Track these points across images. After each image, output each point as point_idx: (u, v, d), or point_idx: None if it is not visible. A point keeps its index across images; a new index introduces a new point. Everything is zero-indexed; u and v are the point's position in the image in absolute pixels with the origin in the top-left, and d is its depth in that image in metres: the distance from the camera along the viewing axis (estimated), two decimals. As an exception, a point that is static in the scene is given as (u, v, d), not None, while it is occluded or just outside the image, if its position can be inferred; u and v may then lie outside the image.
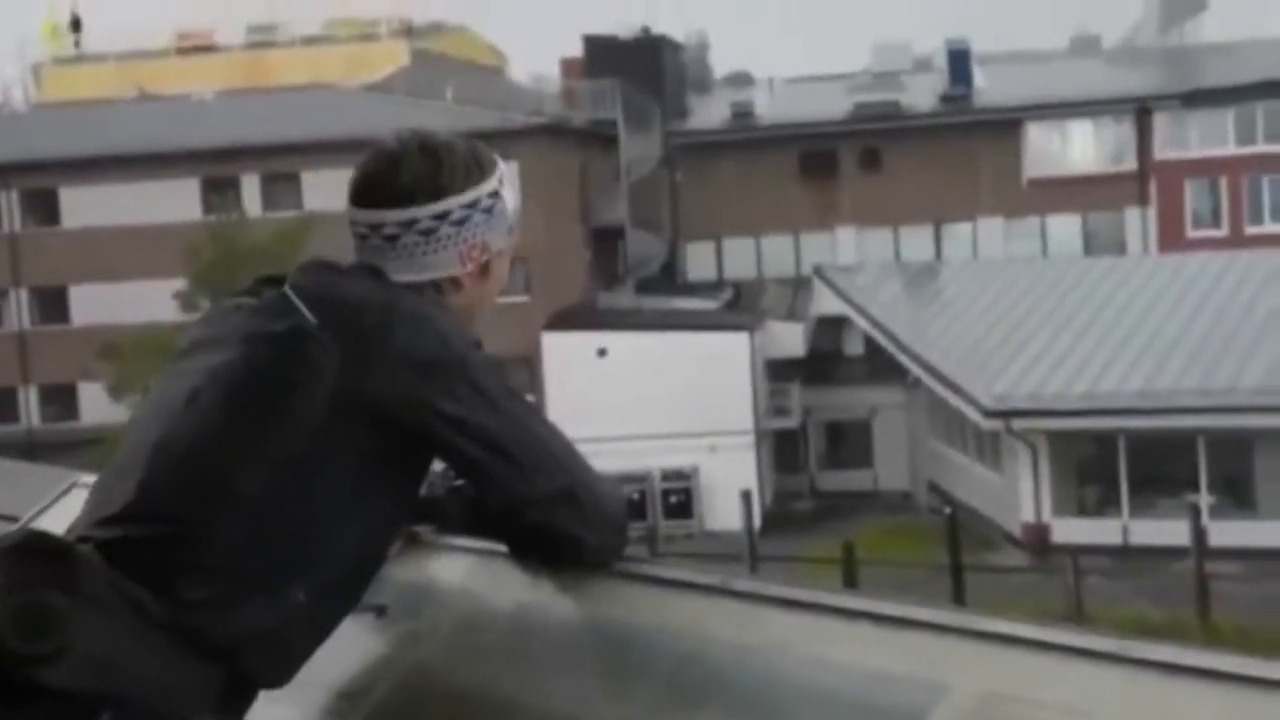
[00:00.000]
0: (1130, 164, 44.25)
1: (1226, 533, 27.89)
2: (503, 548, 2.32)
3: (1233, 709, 1.62)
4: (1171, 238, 43.08)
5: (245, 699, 2.11)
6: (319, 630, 2.19)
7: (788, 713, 1.92)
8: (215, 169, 40.87)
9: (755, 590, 2.12)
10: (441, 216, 2.23)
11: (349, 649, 2.42)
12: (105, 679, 1.90)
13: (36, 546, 1.96)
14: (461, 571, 2.42)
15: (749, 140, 45.26)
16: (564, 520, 2.20)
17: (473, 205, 2.25)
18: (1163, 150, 43.99)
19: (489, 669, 2.31)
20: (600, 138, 43.35)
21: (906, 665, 1.86)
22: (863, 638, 1.94)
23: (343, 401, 2.08)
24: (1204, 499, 29.24)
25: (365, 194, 2.25)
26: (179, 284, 33.80)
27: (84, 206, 41.06)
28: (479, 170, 2.27)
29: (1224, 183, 43.66)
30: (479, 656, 2.33)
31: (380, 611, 2.42)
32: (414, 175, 2.23)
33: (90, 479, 2.57)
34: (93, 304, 39.79)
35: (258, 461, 2.07)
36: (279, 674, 2.16)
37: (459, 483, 2.34)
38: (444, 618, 2.40)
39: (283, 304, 2.14)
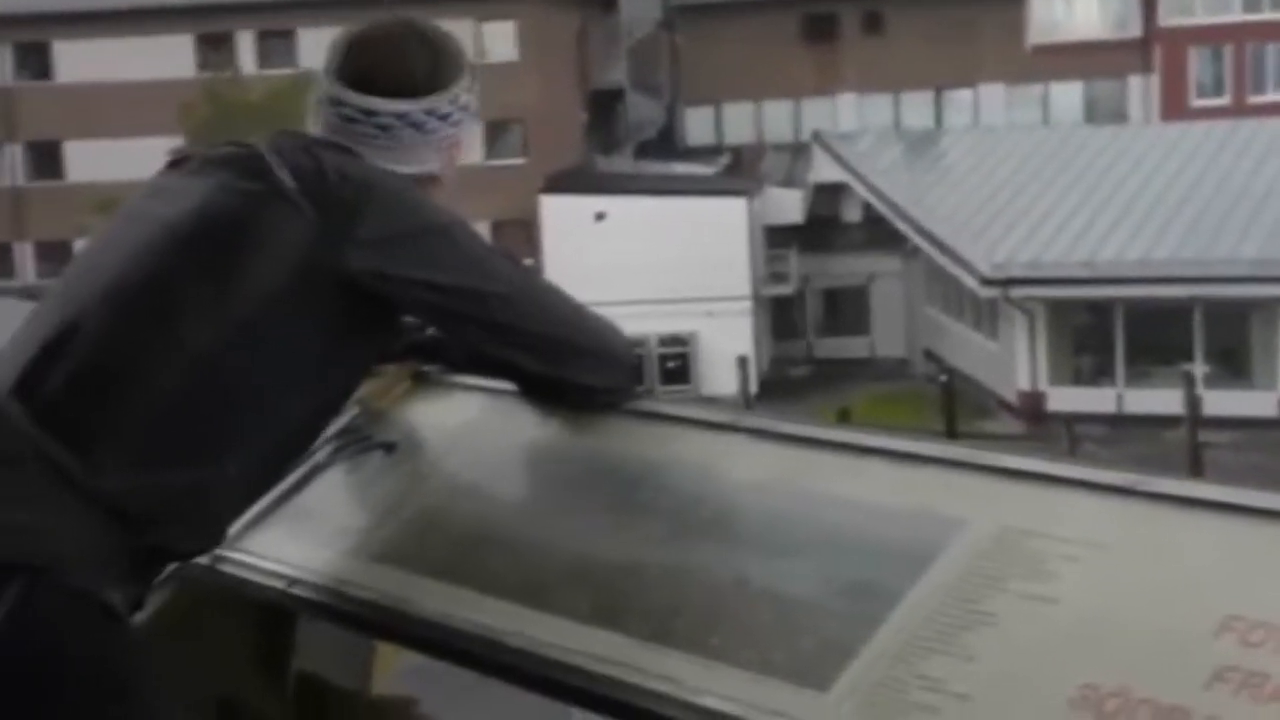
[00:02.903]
0: (1135, 30, 43.83)
1: (1220, 402, 28.08)
2: (511, 387, 2.32)
3: (1239, 538, 1.64)
4: (1174, 106, 42.77)
5: (160, 567, 2.10)
6: (243, 503, 2.18)
7: (801, 548, 1.92)
8: (210, 24, 40.45)
9: (766, 427, 2.12)
10: (432, 112, 2.20)
11: (357, 485, 2.43)
12: (20, 547, 1.87)
13: None
14: (470, 410, 2.42)
15: (750, 2, 44.69)
16: (572, 370, 2.21)
17: (463, 105, 2.23)
18: (1167, 17, 43.54)
19: (497, 505, 2.32)
20: (600, -1, 42.89)
21: (922, 501, 1.87)
22: (877, 474, 1.94)
23: (312, 270, 2.04)
24: (1199, 368, 29.37)
25: (362, 79, 2.19)
26: (174, 141, 33.57)
27: (78, 61, 40.68)
28: (464, 67, 2.24)
29: (1228, 51, 43.27)
30: (487, 493, 2.33)
31: (390, 448, 2.42)
32: (416, 68, 2.20)
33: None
34: (88, 160, 39.54)
35: (210, 319, 2.01)
36: (198, 547, 2.15)
37: None
38: (452, 454, 2.40)
39: (259, 164, 2.09)
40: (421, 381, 2.47)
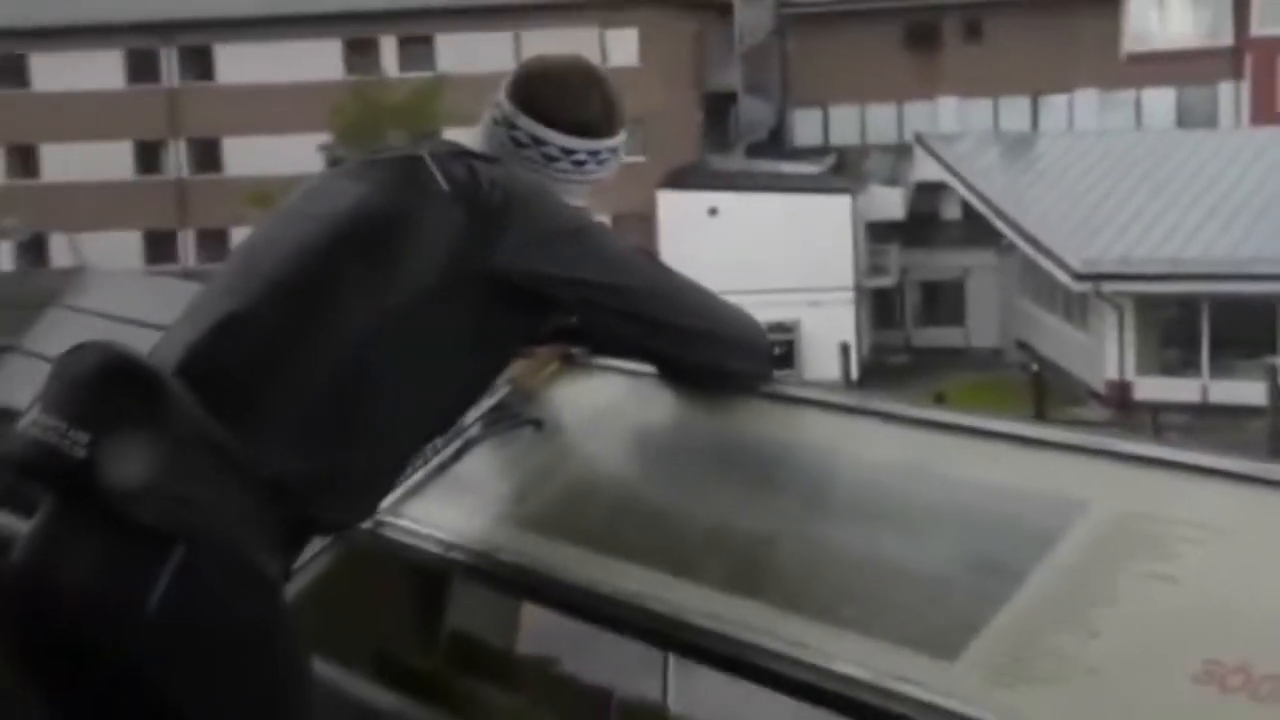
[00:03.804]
0: (1226, 39, 42.98)
1: (1302, 394, 27.57)
2: (652, 369, 2.32)
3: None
4: (1263, 112, 41.95)
5: (307, 538, 2.10)
6: (390, 480, 2.18)
7: (928, 526, 1.90)
8: (356, 31, 40.85)
9: (893, 410, 2.10)
10: (594, 154, 2.24)
11: (508, 458, 2.44)
12: (184, 517, 1.87)
13: (124, 370, 1.91)
14: (612, 391, 2.41)
15: (857, 11, 44.34)
16: (708, 355, 2.21)
17: (616, 151, 2.27)
18: (1259, 27, 42.71)
19: (637, 480, 2.31)
20: (716, 6, 42.69)
21: (1045, 484, 1.84)
22: (1002, 457, 1.92)
23: (462, 268, 2.05)
24: (1282, 362, 28.91)
25: (535, 107, 2.22)
26: (322, 138, 33.97)
27: (237, 64, 41.26)
28: (623, 118, 2.29)
29: (1318, 59, 42.45)
30: (628, 468, 2.33)
31: (538, 425, 2.43)
32: (588, 111, 2.24)
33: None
34: (244, 155, 40.12)
35: (365, 311, 2.02)
36: (344, 521, 2.16)
37: None
38: (596, 432, 2.40)
39: (418, 169, 2.11)
40: (569, 364, 2.47)
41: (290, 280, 2.05)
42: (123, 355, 1.93)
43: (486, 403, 2.43)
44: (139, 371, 1.92)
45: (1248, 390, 27.69)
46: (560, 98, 2.24)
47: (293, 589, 2.38)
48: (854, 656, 1.76)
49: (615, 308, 2.16)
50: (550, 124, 2.22)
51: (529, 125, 2.22)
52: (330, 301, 2.03)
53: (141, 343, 2.11)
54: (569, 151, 2.22)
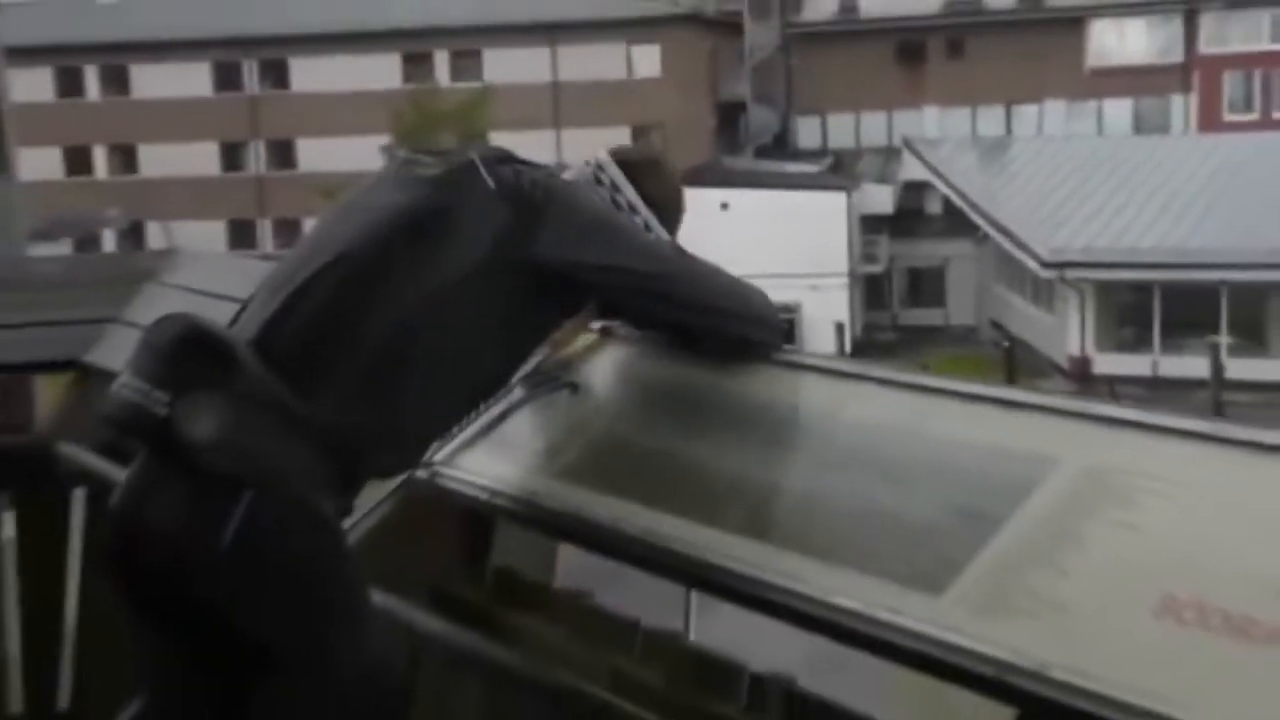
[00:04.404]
0: (1177, 57, 42.70)
1: (1241, 368, 27.50)
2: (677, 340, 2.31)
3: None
4: (1209, 120, 41.73)
5: (359, 485, 2.10)
6: (435, 436, 2.20)
7: (918, 478, 1.89)
8: (413, 46, 40.78)
9: (889, 376, 2.08)
10: (648, 223, 2.31)
11: (547, 417, 2.43)
12: (251, 465, 1.88)
13: (201, 339, 1.92)
14: (642, 359, 2.40)
15: (852, 31, 44.17)
16: (729, 330, 2.22)
17: (657, 229, 2.32)
18: (1206, 46, 42.44)
19: (662, 436, 2.30)
20: (728, 26, 42.49)
21: (1021, 441, 1.82)
22: (983, 417, 1.90)
23: (505, 255, 2.06)
24: (1224, 340, 28.82)
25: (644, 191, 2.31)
26: (382, 140, 33.94)
27: (309, 74, 41.29)
28: (678, 204, 2.39)
29: (1257, 74, 42.10)
30: (655, 426, 2.32)
31: (574, 388, 2.41)
32: (656, 186, 2.34)
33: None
34: (315, 154, 40.13)
35: (416, 290, 2.02)
36: (392, 470, 2.19)
37: None
38: (626, 395, 2.39)
39: (470, 169, 2.12)
40: (604, 335, 2.46)
41: (350, 263, 2.05)
42: (198, 326, 1.94)
43: (530, 369, 2.42)
44: (212, 340, 1.93)
45: (1194, 365, 27.68)
46: (639, 168, 2.34)
47: (361, 530, 2.39)
48: (851, 591, 1.75)
49: (645, 288, 2.17)
50: (646, 200, 2.31)
51: (622, 183, 2.31)
52: (384, 282, 2.03)
53: (223, 314, 2.12)
54: (634, 209, 2.30)
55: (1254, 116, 41.62)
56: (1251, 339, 29.75)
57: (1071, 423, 1.80)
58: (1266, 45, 42.08)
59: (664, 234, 2.31)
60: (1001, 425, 1.86)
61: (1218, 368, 26.18)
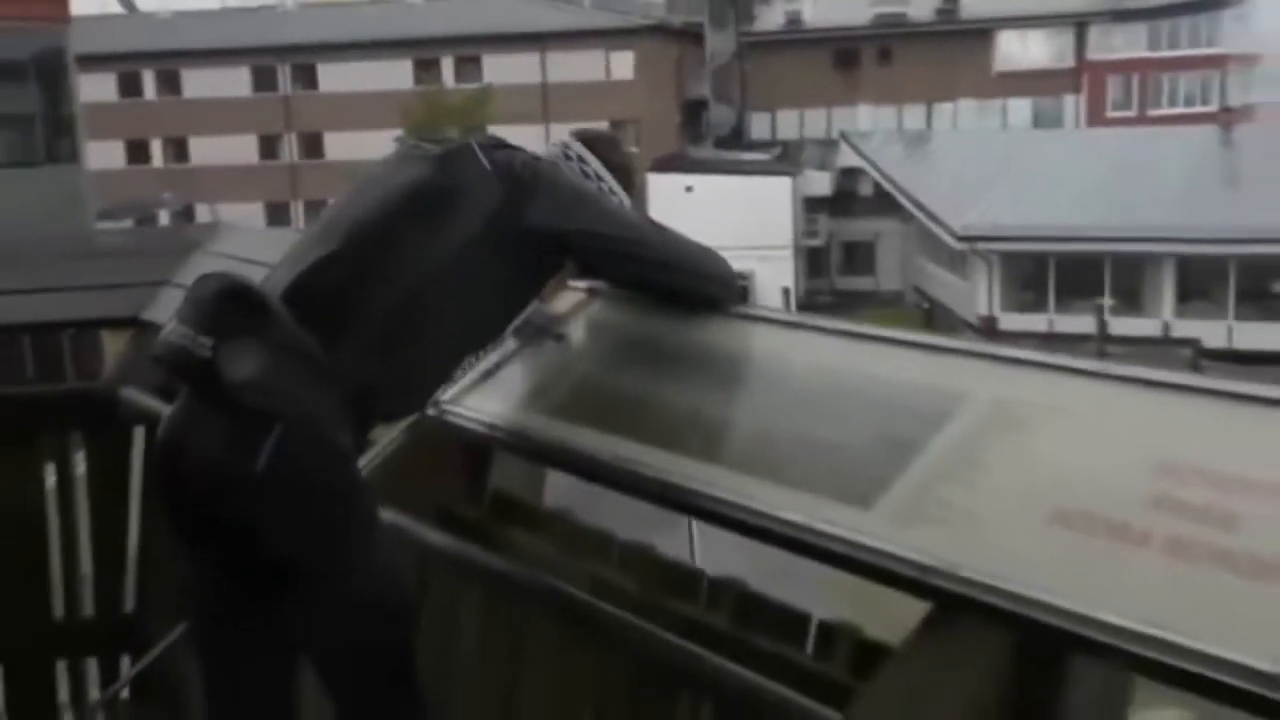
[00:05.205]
0: (1069, 62, 42.70)
1: (1121, 326, 27.76)
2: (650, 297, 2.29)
3: (1173, 406, 1.58)
4: (1096, 117, 41.82)
5: (372, 424, 2.08)
6: (440, 380, 2.18)
7: (851, 411, 1.88)
8: (423, 53, 40.42)
9: (826, 325, 2.07)
10: (613, 189, 2.28)
11: (537, 363, 2.42)
12: (282, 402, 1.85)
13: (238, 293, 1.89)
14: (620, 313, 2.38)
15: (797, 40, 43.95)
16: (694, 287, 2.20)
17: (616, 193, 2.30)
18: (1093, 53, 42.46)
19: (636, 377, 2.28)
20: (692, 35, 42.26)
21: (936, 379, 1.81)
22: (906, 359, 1.89)
23: (498, 225, 2.04)
24: (1107, 302, 29.02)
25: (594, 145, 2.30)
26: (397, 132, 33.63)
27: (335, 76, 40.88)
28: (631, 179, 2.35)
29: (1136, 78, 42.18)
30: (629, 369, 2.30)
31: (560, 339, 2.40)
32: (616, 159, 2.32)
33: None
34: (340, 145, 39.70)
35: (423, 254, 2.00)
36: (402, 412, 2.18)
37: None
38: (606, 343, 2.36)
39: (468, 153, 2.10)
40: (587, 293, 2.43)
41: (366, 232, 2.03)
42: (237, 281, 1.92)
43: (522, 323, 2.40)
44: (249, 294, 1.91)
45: (1082, 323, 27.89)
46: (600, 146, 2.32)
47: (379, 460, 2.37)
48: (795, 506, 1.74)
49: (623, 252, 2.16)
50: (607, 168, 2.30)
51: (589, 158, 2.29)
52: (396, 249, 2.01)
53: (259, 277, 2.08)
54: (601, 179, 2.28)
55: (1133, 113, 41.76)
56: (1130, 301, 29.94)
57: (980, 362, 1.79)
58: (1144, 53, 42.20)
59: (624, 196, 2.29)
60: (921, 366, 1.85)
61: (1102, 324, 26.38)
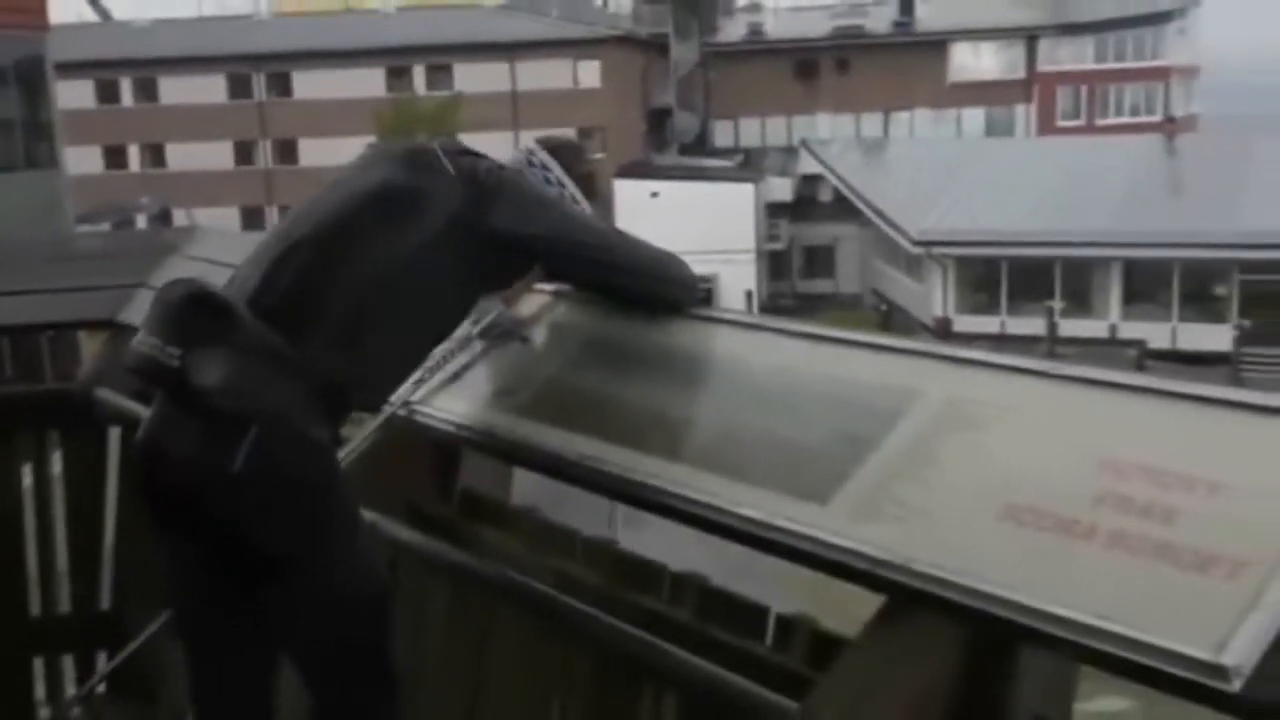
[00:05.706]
0: (1020, 73, 43.08)
1: (1071, 327, 28.02)
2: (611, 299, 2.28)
3: (1117, 404, 1.58)
4: (1046, 126, 42.19)
5: (343, 417, 2.06)
6: (404, 373, 2.16)
7: (809, 409, 1.87)
8: (395, 61, 40.24)
9: (784, 326, 2.06)
10: (567, 186, 2.26)
11: (504, 364, 2.40)
12: (254, 404, 1.84)
13: (202, 299, 1.87)
14: (583, 315, 2.36)
15: (759, 50, 44.11)
16: (654, 290, 2.19)
17: (571, 191, 2.28)
18: (1043, 65, 42.84)
19: (598, 377, 2.27)
20: (657, 45, 42.28)
21: (890, 378, 1.81)
22: (858, 359, 1.88)
23: (460, 227, 2.03)
24: (1057, 304, 29.23)
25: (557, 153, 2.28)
26: (370, 138, 33.48)
27: (309, 85, 40.63)
28: (583, 172, 2.32)
29: (1084, 89, 42.61)
30: (593, 370, 2.29)
31: (526, 340, 2.38)
32: (572, 162, 2.29)
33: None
34: (314, 151, 39.45)
35: (386, 254, 1.99)
36: (371, 404, 2.16)
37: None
38: (569, 344, 2.35)
39: (432, 157, 2.10)
40: (551, 296, 2.42)
41: (330, 232, 2.02)
42: (201, 288, 1.89)
43: (489, 325, 2.38)
44: (213, 300, 1.89)
45: (1033, 324, 28.11)
46: (558, 150, 2.30)
47: (350, 459, 2.35)
48: (754, 503, 1.74)
49: (584, 256, 2.15)
50: (568, 174, 2.27)
51: (549, 161, 2.26)
52: (359, 248, 2.00)
53: (232, 280, 2.06)
54: (563, 184, 2.26)
55: (1081, 123, 42.16)
56: (1079, 304, 30.19)
57: (934, 363, 1.79)
58: (1091, 65, 42.65)
59: (586, 203, 2.28)
60: (878, 366, 1.85)
61: (1052, 326, 26.61)
